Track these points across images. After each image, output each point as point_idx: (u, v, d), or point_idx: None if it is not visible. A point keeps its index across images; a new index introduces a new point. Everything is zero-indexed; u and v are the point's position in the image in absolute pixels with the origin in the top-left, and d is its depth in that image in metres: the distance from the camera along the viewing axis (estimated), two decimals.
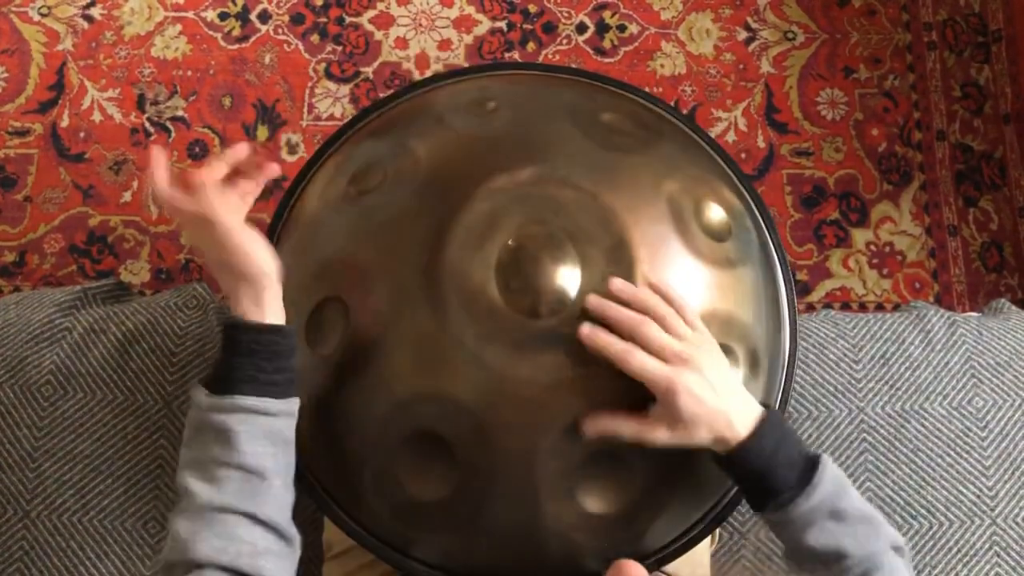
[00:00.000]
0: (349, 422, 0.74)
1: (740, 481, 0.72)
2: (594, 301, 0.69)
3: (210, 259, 0.73)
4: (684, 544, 0.79)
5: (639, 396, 0.69)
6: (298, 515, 0.71)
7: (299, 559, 0.71)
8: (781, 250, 0.85)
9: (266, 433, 0.68)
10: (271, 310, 0.71)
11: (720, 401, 0.68)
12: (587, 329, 0.68)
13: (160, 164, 0.74)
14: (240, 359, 0.69)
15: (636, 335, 0.68)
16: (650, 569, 0.78)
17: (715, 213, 0.78)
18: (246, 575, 0.64)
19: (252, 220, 0.74)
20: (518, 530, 0.73)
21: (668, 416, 0.68)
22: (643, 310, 0.69)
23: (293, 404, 0.70)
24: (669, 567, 0.81)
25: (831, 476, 0.70)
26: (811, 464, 0.70)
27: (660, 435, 0.68)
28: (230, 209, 0.72)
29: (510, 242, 0.71)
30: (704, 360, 0.69)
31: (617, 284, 0.70)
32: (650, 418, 0.69)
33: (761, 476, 0.69)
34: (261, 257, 0.71)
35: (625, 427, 0.69)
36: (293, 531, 0.70)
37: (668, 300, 0.71)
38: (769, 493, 0.70)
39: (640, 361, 0.67)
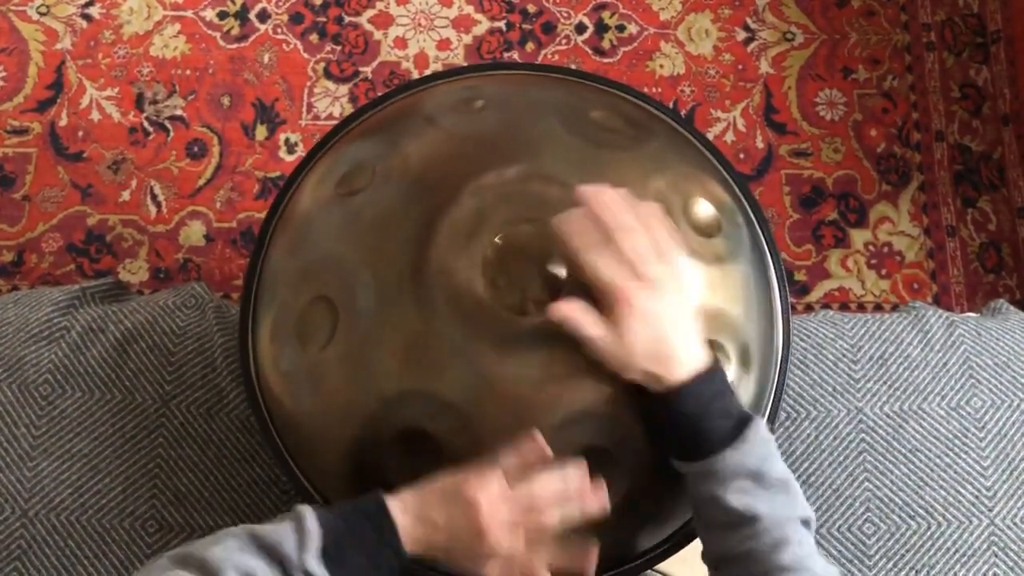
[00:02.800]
0: (338, 421, 0.74)
1: (669, 426, 0.68)
2: (586, 189, 0.67)
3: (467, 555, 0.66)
4: (678, 542, 0.79)
5: (626, 393, 0.69)
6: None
7: None
8: (774, 247, 0.84)
9: None
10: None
11: (668, 335, 0.66)
12: (564, 216, 0.66)
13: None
14: (363, 566, 0.63)
15: (613, 237, 0.66)
16: (643, 568, 0.78)
17: (704, 209, 0.78)
18: None
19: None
20: None
21: (613, 331, 0.65)
22: (625, 220, 0.67)
23: None
24: (662, 566, 0.81)
25: (761, 437, 0.68)
26: (743, 422, 0.67)
27: (606, 347, 0.66)
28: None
29: (497, 239, 0.71)
30: (667, 291, 0.67)
31: (620, 190, 0.68)
32: (603, 329, 0.66)
33: (695, 420, 0.66)
34: None
35: (587, 326, 0.66)
36: None
37: (652, 226, 0.69)
38: (698, 441, 0.67)
39: (602, 262, 0.65)
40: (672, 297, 0.67)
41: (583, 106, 0.83)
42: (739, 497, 0.66)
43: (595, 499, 0.66)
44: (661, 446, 0.71)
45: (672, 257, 0.69)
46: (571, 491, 0.66)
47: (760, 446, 0.67)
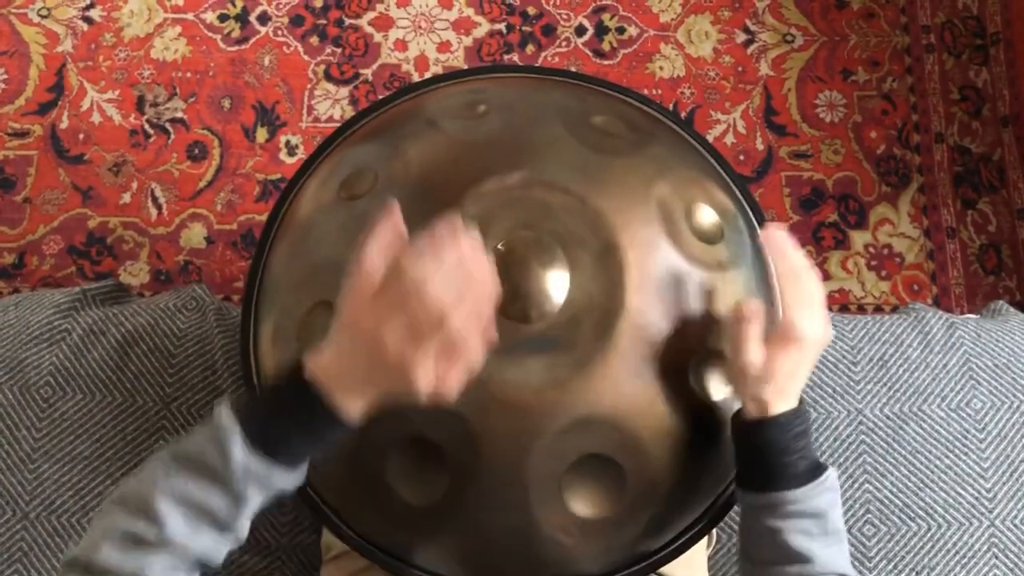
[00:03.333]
0: None
1: (754, 452, 0.71)
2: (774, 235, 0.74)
3: (375, 359, 0.60)
4: (679, 546, 0.79)
5: (633, 397, 0.69)
6: (302, 519, 0.71)
7: (290, 559, 0.69)
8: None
9: (257, 509, 0.62)
10: (365, 412, 0.62)
11: (797, 373, 0.71)
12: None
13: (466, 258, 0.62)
14: (304, 438, 0.61)
15: (807, 281, 0.72)
16: (646, 572, 0.79)
17: (706, 215, 0.78)
18: None
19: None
20: (511, 535, 0.73)
21: (767, 361, 0.69)
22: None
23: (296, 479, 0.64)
24: (665, 569, 0.81)
25: (833, 484, 0.70)
26: (819, 467, 0.70)
27: (752, 370, 0.69)
28: (480, 334, 0.62)
29: (499, 246, 0.71)
30: (820, 342, 0.72)
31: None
32: (759, 348, 0.69)
33: (779, 452, 0.69)
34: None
35: (753, 331, 0.69)
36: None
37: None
38: (777, 472, 0.69)
39: (809, 312, 0.71)
40: (816, 350, 0.72)
41: (585, 111, 0.83)
42: (798, 536, 0.68)
43: (476, 261, 0.61)
44: (737, 474, 0.74)
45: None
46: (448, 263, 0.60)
47: (831, 492, 0.70)
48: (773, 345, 0.69)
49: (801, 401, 0.72)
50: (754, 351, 0.69)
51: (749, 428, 0.70)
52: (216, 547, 0.62)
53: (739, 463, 0.73)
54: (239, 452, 0.59)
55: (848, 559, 0.71)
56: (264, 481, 0.60)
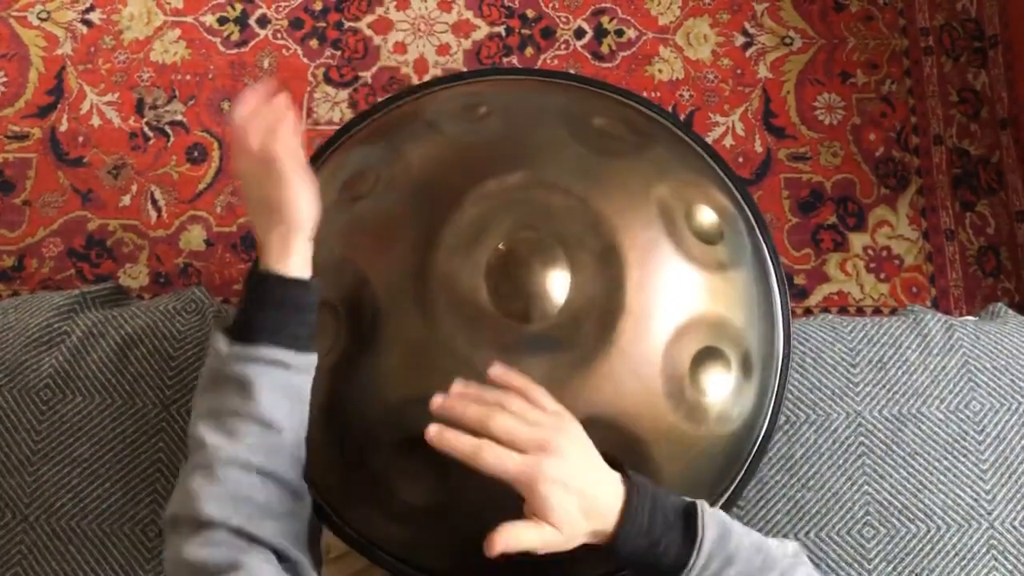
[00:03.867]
0: (341, 427, 0.74)
1: (633, 565, 0.67)
2: (436, 403, 0.65)
3: (252, 195, 0.73)
4: None
5: (633, 397, 0.69)
6: None
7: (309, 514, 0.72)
8: (774, 253, 0.85)
9: (284, 387, 0.68)
10: (297, 260, 0.71)
11: (588, 485, 0.64)
12: (433, 430, 0.63)
13: (256, 96, 0.76)
14: (265, 311, 0.69)
15: (486, 430, 0.63)
16: None
17: (706, 216, 0.78)
18: (252, 536, 0.64)
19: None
20: None
21: (541, 513, 0.63)
22: (490, 404, 0.65)
23: (312, 359, 0.70)
24: None
25: (713, 524, 0.66)
26: (689, 516, 0.66)
27: (548, 541, 0.64)
28: (290, 152, 0.72)
29: (500, 247, 0.71)
30: (563, 442, 0.64)
31: (456, 387, 0.66)
32: (535, 529, 0.64)
33: (647, 554, 0.65)
34: (302, 204, 0.71)
35: (527, 538, 0.64)
36: (304, 487, 0.70)
37: (512, 387, 0.67)
38: (660, 568, 0.66)
39: (495, 456, 0.62)
40: (567, 441, 0.65)
41: (586, 113, 0.83)
42: None
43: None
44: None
45: (542, 399, 0.67)
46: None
47: (715, 534, 0.66)
48: (530, 506, 0.64)
49: (624, 473, 0.67)
50: (530, 537, 0.64)
51: (610, 554, 0.66)
52: (261, 443, 0.67)
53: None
54: (223, 345, 0.68)
55: (771, 551, 0.68)
56: (259, 361, 0.67)
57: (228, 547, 0.63)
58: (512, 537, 0.63)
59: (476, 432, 0.63)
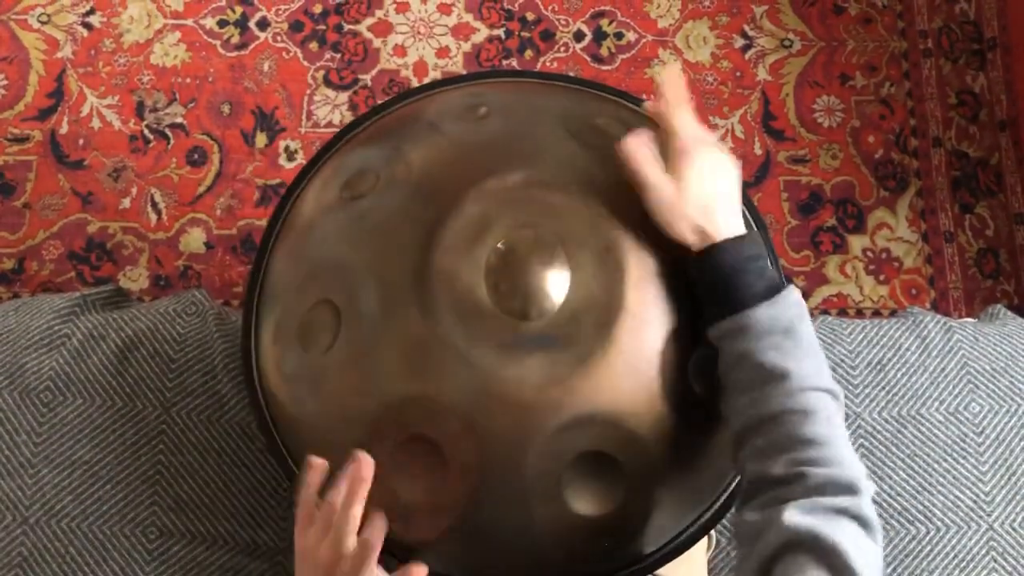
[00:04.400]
0: (340, 424, 0.74)
1: (707, 283, 0.70)
2: (666, 73, 0.77)
3: (313, 554, 0.70)
4: (678, 547, 0.80)
5: (633, 395, 0.69)
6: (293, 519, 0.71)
7: None
8: (774, 255, 0.85)
9: None
10: None
11: (720, 195, 0.71)
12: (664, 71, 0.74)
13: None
14: None
15: (680, 105, 0.74)
16: (645, 572, 0.79)
17: None
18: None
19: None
20: (511, 533, 0.73)
21: (675, 180, 0.70)
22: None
23: None
24: (663, 570, 0.81)
25: (796, 299, 0.69)
26: (777, 286, 0.69)
27: (663, 195, 0.70)
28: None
29: (500, 245, 0.71)
30: (726, 159, 0.73)
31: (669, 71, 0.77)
32: (662, 179, 0.70)
33: (732, 275, 0.68)
34: None
35: (650, 172, 0.70)
36: None
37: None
38: (734, 295, 0.68)
39: (686, 115, 0.73)
40: (730, 169, 0.73)
41: (586, 113, 0.83)
42: (770, 353, 0.66)
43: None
44: (701, 314, 0.72)
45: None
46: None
47: (795, 307, 0.69)
48: (672, 163, 0.71)
49: (752, 230, 0.72)
50: (655, 175, 0.70)
51: (699, 259, 0.70)
52: None
53: (703, 303, 0.72)
54: None
55: (828, 375, 0.69)
56: None
57: None
58: (644, 153, 0.71)
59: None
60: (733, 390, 0.69)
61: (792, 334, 0.67)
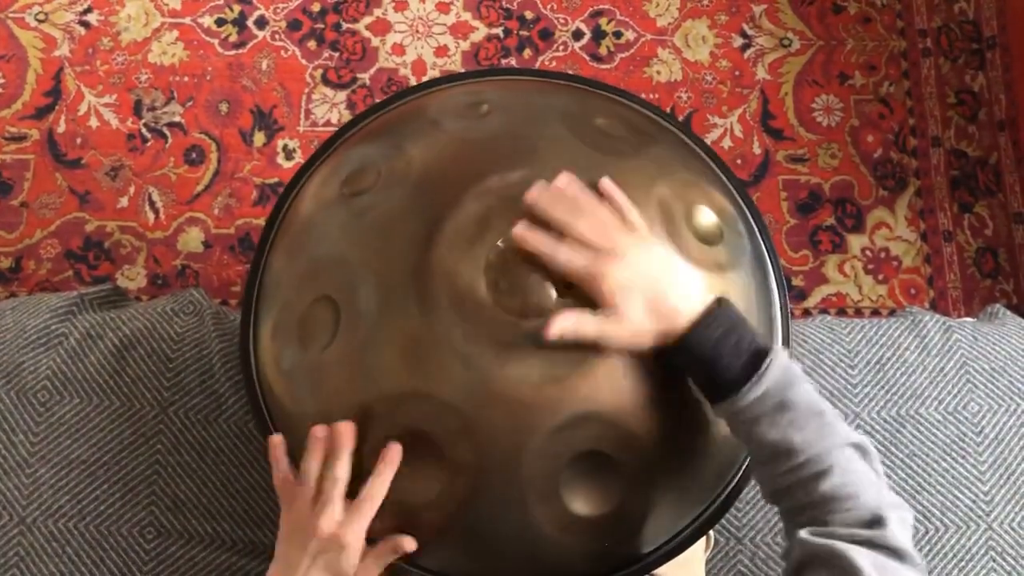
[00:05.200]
0: (338, 421, 0.74)
1: (692, 372, 0.70)
2: (531, 194, 0.70)
3: (305, 530, 0.72)
4: (676, 547, 0.79)
5: (631, 395, 0.69)
6: None
7: None
8: (774, 255, 0.85)
9: None
10: None
11: (658, 290, 0.68)
12: (520, 227, 0.68)
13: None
14: None
15: (568, 229, 0.68)
16: (643, 572, 0.78)
17: (706, 217, 0.78)
18: None
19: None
20: (509, 531, 0.73)
21: (609, 311, 0.67)
22: (578, 208, 0.69)
23: None
24: (662, 570, 0.81)
25: (780, 367, 0.67)
26: (759, 356, 0.67)
27: (612, 333, 0.67)
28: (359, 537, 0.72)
29: (499, 243, 0.71)
30: (637, 251, 0.68)
31: (562, 179, 0.71)
32: (597, 322, 0.68)
33: (706, 364, 0.67)
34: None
35: (586, 327, 0.67)
36: None
37: (611, 200, 0.71)
38: (716, 383, 0.68)
39: (566, 255, 0.67)
40: (649, 255, 0.69)
41: (587, 112, 0.83)
42: (769, 431, 0.66)
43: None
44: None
45: (634, 218, 0.71)
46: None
47: (780, 375, 0.67)
48: (597, 299, 0.68)
49: (718, 299, 0.69)
50: (591, 327, 0.67)
51: (672, 357, 0.69)
52: None
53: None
54: None
55: (843, 428, 0.67)
56: None
57: None
58: (572, 320, 0.67)
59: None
60: (752, 460, 0.72)
61: (784, 407, 0.66)
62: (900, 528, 0.63)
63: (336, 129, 0.88)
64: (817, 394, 0.69)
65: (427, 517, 0.73)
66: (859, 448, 0.67)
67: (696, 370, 0.69)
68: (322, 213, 0.80)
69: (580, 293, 0.69)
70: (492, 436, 0.69)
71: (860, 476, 0.66)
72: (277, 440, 0.75)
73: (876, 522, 0.63)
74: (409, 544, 0.72)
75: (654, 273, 0.69)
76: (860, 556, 0.60)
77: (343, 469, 0.71)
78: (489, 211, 0.72)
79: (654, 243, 0.70)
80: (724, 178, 0.86)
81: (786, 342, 0.84)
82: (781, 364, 0.67)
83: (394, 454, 0.70)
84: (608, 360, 0.69)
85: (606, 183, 0.72)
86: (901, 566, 0.61)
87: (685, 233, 0.75)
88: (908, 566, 0.62)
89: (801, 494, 0.66)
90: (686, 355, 0.68)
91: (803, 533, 0.63)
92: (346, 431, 0.71)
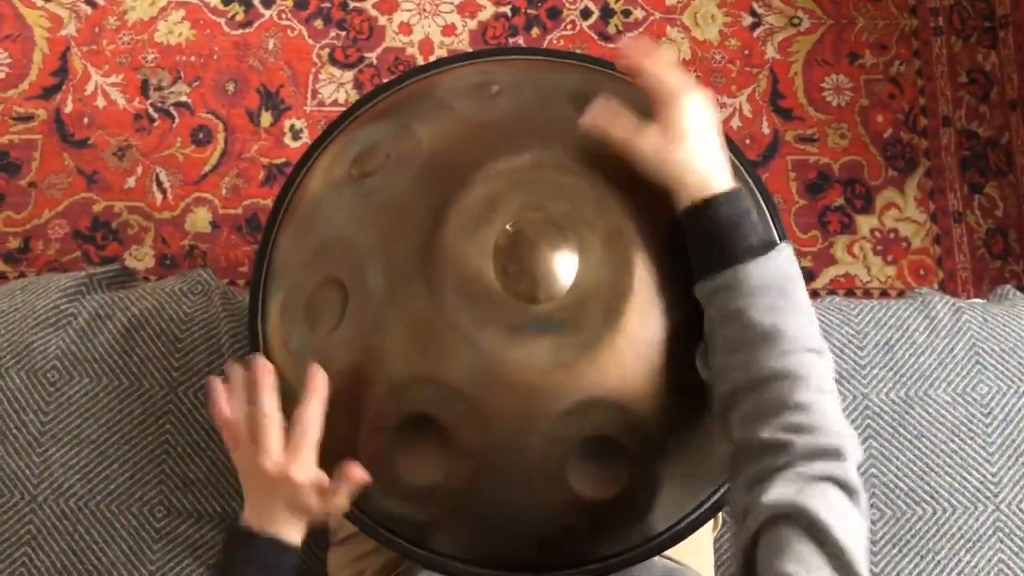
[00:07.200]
0: (345, 403, 0.74)
1: (703, 235, 0.68)
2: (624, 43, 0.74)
3: (256, 472, 0.72)
4: (684, 529, 0.80)
5: (639, 380, 0.69)
6: None
7: (305, 544, 0.74)
8: (784, 235, 0.84)
9: None
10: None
11: (714, 143, 0.70)
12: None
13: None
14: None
15: (652, 56, 0.72)
16: (650, 555, 0.79)
17: None
18: None
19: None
20: (516, 515, 0.73)
21: (662, 127, 0.69)
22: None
23: None
24: (670, 552, 0.81)
25: (790, 255, 0.68)
26: (772, 241, 0.68)
27: (647, 144, 0.68)
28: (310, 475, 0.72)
29: (508, 227, 0.71)
30: (706, 102, 0.71)
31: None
32: (643, 128, 0.69)
33: (728, 228, 0.67)
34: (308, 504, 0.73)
35: (619, 128, 0.69)
36: None
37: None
38: (729, 250, 0.66)
39: (657, 61, 0.70)
40: (712, 113, 0.71)
41: (596, 92, 0.82)
42: (764, 311, 0.65)
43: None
44: (690, 269, 0.71)
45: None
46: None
47: (788, 264, 0.67)
48: (656, 110, 0.70)
49: (740, 186, 0.70)
50: (627, 127, 0.69)
51: (695, 210, 0.68)
52: None
53: (693, 256, 0.70)
54: None
55: (817, 332, 0.67)
56: None
57: None
58: (611, 113, 0.70)
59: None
60: (722, 349, 0.68)
61: (786, 292, 0.66)
62: (855, 465, 0.62)
63: (344, 109, 0.88)
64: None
65: (432, 499, 0.73)
66: (825, 358, 0.67)
67: (712, 233, 0.67)
68: (330, 194, 0.80)
69: (575, 309, 0.69)
70: (499, 420, 0.69)
71: (829, 396, 0.65)
72: (210, 381, 0.75)
73: (839, 455, 0.62)
74: (355, 471, 0.71)
75: (712, 125, 0.71)
76: (826, 507, 0.58)
77: (270, 405, 0.71)
78: (497, 194, 0.72)
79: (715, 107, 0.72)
80: (733, 157, 0.86)
81: None
82: (790, 253, 0.68)
83: (318, 380, 0.71)
84: (616, 345, 0.69)
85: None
86: (856, 508, 0.61)
87: None
88: (859, 506, 0.61)
89: (772, 394, 0.64)
90: (711, 214, 0.67)
91: (772, 490, 0.60)
92: (262, 365, 0.72)
